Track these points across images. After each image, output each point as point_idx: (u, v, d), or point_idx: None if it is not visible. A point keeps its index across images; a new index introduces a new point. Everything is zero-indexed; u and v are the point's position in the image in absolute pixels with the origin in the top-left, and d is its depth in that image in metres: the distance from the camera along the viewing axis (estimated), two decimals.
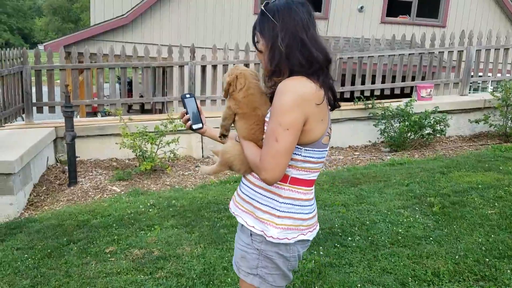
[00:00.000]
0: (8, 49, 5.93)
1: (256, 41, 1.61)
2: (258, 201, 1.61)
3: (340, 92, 8.02)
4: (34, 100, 6.54)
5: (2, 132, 5.89)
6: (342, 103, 7.84)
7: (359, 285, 2.92)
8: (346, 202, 4.46)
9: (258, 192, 1.62)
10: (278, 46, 1.50)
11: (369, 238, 3.62)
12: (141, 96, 7.55)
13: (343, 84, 8.01)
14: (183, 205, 4.64)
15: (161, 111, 11.39)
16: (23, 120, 6.76)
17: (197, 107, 1.83)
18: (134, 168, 6.09)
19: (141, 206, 4.64)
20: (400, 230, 3.73)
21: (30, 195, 5.21)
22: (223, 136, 1.77)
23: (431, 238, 3.56)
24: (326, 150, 1.63)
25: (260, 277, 1.64)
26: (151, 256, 3.45)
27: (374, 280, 2.97)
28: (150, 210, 4.53)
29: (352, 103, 7.62)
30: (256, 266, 1.63)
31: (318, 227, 1.78)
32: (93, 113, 11.67)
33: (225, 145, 1.74)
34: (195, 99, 1.85)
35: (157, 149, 5.97)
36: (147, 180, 5.79)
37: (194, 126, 1.79)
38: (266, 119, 1.57)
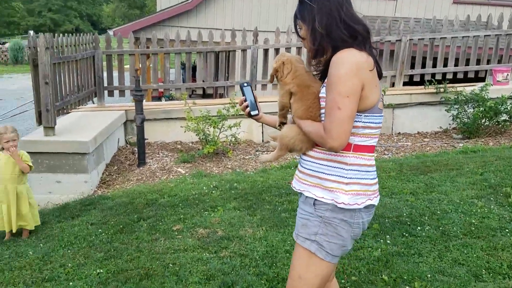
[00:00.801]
0: (81, 34, 6.29)
1: (298, 28, 1.74)
2: (324, 173, 1.69)
3: (409, 75, 7.69)
4: (105, 84, 6.92)
5: (76, 114, 6.32)
6: (411, 87, 7.59)
7: (429, 275, 2.81)
8: (415, 191, 4.29)
9: (322, 164, 1.70)
10: (317, 27, 1.63)
11: (440, 228, 3.46)
12: (203, 81, 7.72)
13: (412, 67, 7.65)
14: (244, 188, 4.73)
15: (221, 96, 11.61)
16: (94, 103, 7.20)
17: (253, 95, 1.95)
18: (197, 151, 6.28)
19: (204, 187, 4.79)
20: (473, 221, 3.54)
21: (103, 174, 5.57)
22: (282, 124, 1.87)
23: (507, 230, 3.35)
24: (382, 116, 1.71)
25: (317, 243, 1.71)
26: (215, 236, 3.57)
27: (445, 271, 2.85)
28: (213, 192, 4.66)
29: (422, 86, 7.27)
30: (316, 233, 1.71)
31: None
32: (158, 98, 12.18)
33: (282, 130, 1.83)
34: (251, 87, 1.98)
35: (219, 132, 6.10)
36: (209, 163, 5.95)
37: (252, 113, 1.93)
38: (321, 95, 1.69)
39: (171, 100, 12.59)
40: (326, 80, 1.64)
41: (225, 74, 7.46)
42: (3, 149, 3.86)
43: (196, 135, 6.12)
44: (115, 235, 3.74)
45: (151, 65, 7.70)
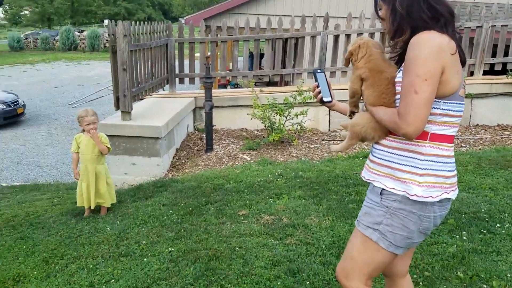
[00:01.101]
0: (155, 22, 6.56)
1: (378, 8, 1.69)
2: (396, 162, 1.63)
3: (490, 64, 7.16)
4: (177, 72, 7.19)
5: (150, 100, 6.64)
6: (492, 76, 7.07)
7: (508, 275, 2.64)
8: (495, 186, 4.02)
9: (395, 154, 1.64)
10: (398, 6, 1.57)
11: None
12: (271, 69, 7.76)
13: (494, 55, 7.12)
14: (310, 177, 4.71)
15: (286, 83, 11.57)
16: (163, 90, 7.51)
17: (327, 81, 1.92)
18: (262, 139, 6.35)
19: (269, 175, 4.84)
20: None
21: (173, 158, 5.83)
22: (352, 113, 1.82)
23: None
24: (463, 104, 1.61)
25: (380, 232, 1.66)
26: (280, 223, 3.60)
27: None
28: (278, 179, 4.70)
29: (504, 76, 6.75)
30: (379, 222, 1.66)
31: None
32: (224, 86, 12.43)
33: (353, 118, 1.78)
34: (325, 74, 1.94)
35: (285, 120, 6.11)
36: (274, 150, 5.99)
37: (325, 99, 1.89)
38: (397, 80, 1.62)
39: (237, 87, 12.80)
40: (403, 64, 1.58)
41: (292, 62, 7.42)
42: (84, 131, 4.17)
43: (262, 122, 6.19)
44: (184, 217, 3.92)
45: (219, 53, 7.85)
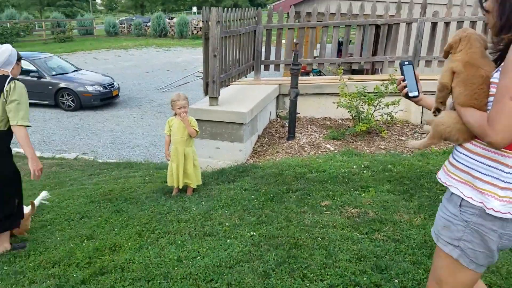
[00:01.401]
0: (246, 9, 6.66)
1: (484, 0, 1.54)
2: (478, 171, 1.52)
3: None
4: (263, 58, 7.26)
5: (236, 87, 6.80)
6: None
7: None
8: None
9: (478, 161, 1.52)
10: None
11: None
12: (350, 55, 7.53)
13: None
14: (399, 171, 4.52)
15: (374, 72, 11.14)
16: (245, 77, 7.62)
17: (415, 74, 1.82)
18: (347, 129, 6.20)
19: (354, 166, 4.73)
20: None
21: (255, 144, 5.93)
22: (437, 110, 1.69)
23: None
24: None
25: (461, 249, 1.56)
26: (366, 217, 3.51)
27: None
28: (364, 171, 4.57)
29: None
30: (459, 238, 1.56)
31: None
32: (306, 73, 12.31)
33: (438, 116, 1.67)
34: (413, 66, 1.84)
35: (374, 110, 5.91)
36: (360, 141, 5.83)
37: (410, 94, 1.80)
38: (493, 80, 1.48)
39: (319, 75, 12.61)
40: (502, 64, 1.43)
41: (384, 49, 7.12)
42: (175, 114, 4.39)
43: (348, 112, 6.04)
44: (265, 203, 3.98)
45: (308, 39, 7.76)
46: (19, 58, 3.53)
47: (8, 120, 3.33)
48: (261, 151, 5.77)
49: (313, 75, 12.45)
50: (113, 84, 12.94)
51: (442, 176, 1.69)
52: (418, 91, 1.81)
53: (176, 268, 2.95)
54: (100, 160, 7.91)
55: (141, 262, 3.08)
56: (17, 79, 3.38)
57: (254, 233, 3.37)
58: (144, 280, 2.83)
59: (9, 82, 3.30)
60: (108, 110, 12.29)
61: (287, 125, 6.22)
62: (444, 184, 1.66)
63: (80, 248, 3.36)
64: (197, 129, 4.40)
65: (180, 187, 4.50)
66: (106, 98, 12.56)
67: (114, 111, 12.14)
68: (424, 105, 1.86)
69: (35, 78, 12.15)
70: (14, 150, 4.08)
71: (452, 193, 1.60)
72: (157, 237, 3.46)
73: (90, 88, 12.13)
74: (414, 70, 1.83)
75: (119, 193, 4.73)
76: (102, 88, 12.38)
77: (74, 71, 13.28)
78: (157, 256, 3.15)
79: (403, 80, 1.81)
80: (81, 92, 12.03)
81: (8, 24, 25.94)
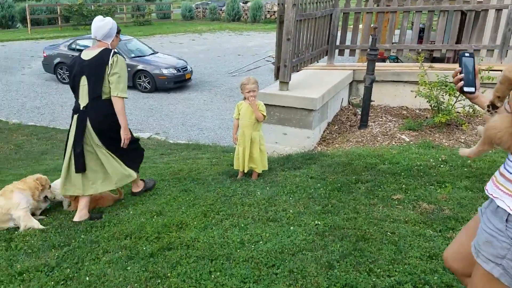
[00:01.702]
0: None
1: None
2: None
3: None
4: (337, 43, 7.07)
5: (308, 71, 6.70)
6: None
7: None
8: None
9: None
10: None
11: None
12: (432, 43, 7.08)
13: None
14: (480, 167, 4.21)
15: (456, 61, 10.39)
16: (318, 62, 7.46)
17: (474, 69, 1.71)
18: (425, 119, 5.88)
19: (431, 160, 4.48)
20: None
21: (324, 132, 5.83)
22: (492, 107, 1.52)
23: None
24: None
25: (503, 268, 1.44)
26: (441, 214, 3.32)
27: None
28: (441, 166, 4.31)
29: None
30: (503, 256, 1.44)
31: None
32: (382, 60, 11.81)
33: (491, 119, 1.50)
34: (474, 60, 1.72)
35: (455, 101, 5.53)
36: (438, 133, 5.50)
37: (466, 89, 1.69)
38: None
39: (397, 62, 12.06)
40: None
41: (469, 37, 6.62)
42: (245, 98, 4.42)
43: (427, 101, 5.71)
44: (332, 192, 3.90)
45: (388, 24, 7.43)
46: (118, 31, 3.87)
47: None
48: (330, 139, 5.66)
49: (390, 62, 11.95)
50: (186, 67, 13.37)
51: (489, 188, 1.56)
52: (475, 87, 1.69)
53: (238, 250, 3.00)
54: (171, 140, 8.26)
55: (205, 241, 3.17)
56: (118, 53, 3.69)
57: (319, 222, 3.33)
58: (208, 259, 2.91)
59: (113, 56, 3.63)
60: (180, 92, 12.75)
61: (360, 113, 6.04)
62: (490, 196, 1.53)
63: (150, 223, 3.54)
64: (265, 114, 4.39)
65: (245, 171, 4.55)
66: (179, 81, 13.02)
67: (186, 94, 12.57)
68: (479, 104, 1.72)
69: None
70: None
71: (498, 206, 1.47)
72: (222, 218, 3.54)
73: (165, 71, 12.64)
74: (474, 64, 1.72)
75: (187, 173, 4.89)
76: (176, 71, 12.85)
77: (151, 54, 13.88)
78: (220, 236, 3.22)
79: (460, 73, 1.70)
80: (157, 75, 12.57)
81: (92, 6, 27.64)
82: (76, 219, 3.80)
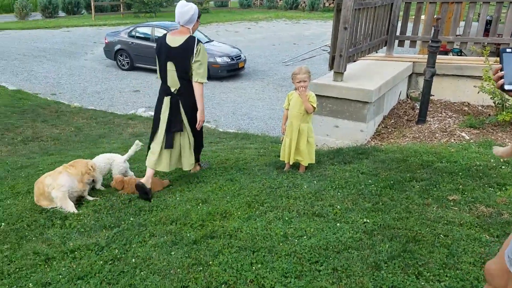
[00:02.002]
0: None
1: None
2: None
3: None
4: (397, 33, 6.78)
5: (364, 62, 6.49)
6: None
7: None
8: None
9: None
10: None
11: None
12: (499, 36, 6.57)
13: None
14: None
15: None
16: (376, 52, 7.18)
17: None
18: (488, 117, 5.52)
19: (492, 160, 4.19)
20: None
21: (379, 125, 5.63)
22: None
23: None
24: None
25: None
26: (499, 218, 3.11)
27: None
28: (503, 167, 4.03)
29: None
30: None
31: None
32: (444, 52, 11.19)
33: None
34: None
35: None
36: (502, 132, 5.14)
37: (507, 87, 1.56)
38: None
39: (460, 55, 11.40)
40: None
41: None
42: (296, 88, 4.34)
43: (491, 98, 5.35)
44: (384, 190, 3.76)
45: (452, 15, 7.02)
46: (199, 16, 4.16)
47: None
48: (385, 133, 5.46)
49: (453, 55, 11.31)
50: (240, 56, 13.42)
51: None
52: None
53: (281, 244, 2.98)
54: (221, 129, 8.34)
55: (248, 232, 3.17)
56: (201, 42, 4.05)
57: (368, 220, 3.22)
58: (250, 250, 2.91)
59: (197, 44, 3.98)
60: (232, 81, 12.84)
61: (418, 107, 5.77)
62: None
63: (195, 210, 3.60)
64: (315, 106, 4.29)
65: (291, 163, 4.49)
66: (232, 70, 13.11)
67: (238, 83, 12.64)
68: None
69: None
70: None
71: None
72: (266, 210, 3.53)
73: (219, 60, 12.76)
74: None
75: (234, 163, 4.92)
76: (229, 60, 12.93)
77: (206, 42, 14.06)
78: (263, 228, 3.21)
79: (501, 70, 1.58)
80: (211, 63, 12.70)
81: None
82: (143, 180, 4.11)
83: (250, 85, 12.37)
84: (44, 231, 3.50)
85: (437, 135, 5.15)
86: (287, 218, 3.34)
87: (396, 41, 6.85)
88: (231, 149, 5.71)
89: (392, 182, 3.88)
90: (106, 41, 14.43)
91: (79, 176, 4.03)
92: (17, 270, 2.93)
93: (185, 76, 4.06)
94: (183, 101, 4.14)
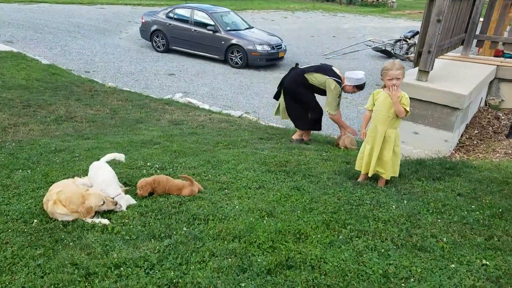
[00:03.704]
0: None
1: None
2: None
3: None
4: (477, 32, 5.97)
5: (440, 61, 5.70)
6: None
7: None
8: None
9: None
10: None
11: None
12: None
13: None
14: None
15: None
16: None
17: None
18: None
19: None
20: None
21: (462, 136, 4.87)
22: None
23: None
24: None
25: None
26: None
27: None
28: None
29: None
30: None
31: None
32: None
33: None
34: None
35: None
36: None
37: None
38: None
39: None
40: None
41: None
42: (385, 87, 3.64)
43: None
44: (493, 220, 3.06)
45: None
46: (358, 87, 4.91)
47: None
48: (469, 145, 4.71)
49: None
50: (281, 45, 12.68)
51: None
52: None
53: (382, 286, 2.32)
54: (263, 122, 7.68)
55: (335, 264, 2.52)
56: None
57: (487, 263, 2.53)
58: None
59: None
60: (271, 71, 12.14)
61: (502, 117, 5.00)
62: None
63: (261, 226, 2.96)
64: (408, 109, 3.57)
65: (369, 175, 3.81)
66: (272, 59, 12.39)
67: (277, 73, 11.93)
68: None
69: (211, 32, 12.49)
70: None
71: None
72: (351, 235, 2.87)
73: (259, 48, 12.05)
74: None
75: (296, 167, 4.26)
76: (270, 49, 12.21)
77: (246, 28, 13.36)
78: (354, 261, 2.55)
79: None
80: (250, 51, 12.03)
81: None
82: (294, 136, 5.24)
83: None
84: (83, 234, 2.91)
85: None
86: (382, 250, 2.67)
87: (475, 41, 6.04)
88: (288, 149, 5.04)
89: (500, 210, 3.17)
90: (143, 21, 13.84)
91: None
92: (52, 287, 2.35)
93: None
94: None
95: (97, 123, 6.33)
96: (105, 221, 3.08)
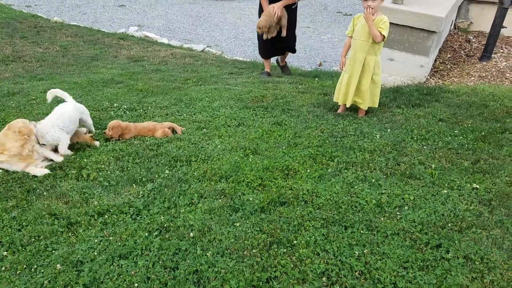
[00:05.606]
0: None
1: None
2: None
3: None
4: None
5: None
6: None
7: None
8: None
9: None
10: None
11: None
12: None
13: None
14: None
15: None
16: None
17: None
18: None
19: None
20: None
21: (436, 61, 4.86)
22: None
23: None
24: None
25: None
26: None
27: None
28: None
29: None
30: None
31: None
32: None
33: None
34: None
35: None
36: None
37: None
38: None
39: None
40: None
41: None
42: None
43: None
44: (476, 143, 3.12)
45: None
46: None
47: None
48: (444, 70, 4.72)
49: None
50: None
51: None
52: None
53: (377, 216, 2.33)
54: (227, 56, 7.37)
55: (328, 197, 2.50)
56: None
57: (477, 186, 2.59)
58: (340, 225, 2.26)
59: None
60: (228, 0, 11.55)
61: (472, 40, 5.00)
62: None
63: (247, 164, 2.88)
64: (385, 33, 3.42)
65: (347, 106, 3.74)
66: None
67: (235, 2, 11.38)
68: None
69: None
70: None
71: None
72: (339, 167, 2.84)
73: None
74: None
75: (273, 101, 4.13)
76: None
77: None
78: (346, 193, 2.54)
79: None
80: None
81: None
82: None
83: (249, 5, 11.15)
84: (56, 183, 2.73)
85: (508, 75, 4.45)
86: (373, 180, 2.67)
87: None
88: (262, 83, 4.87)
89: (482, 133, 3.23)
90: None
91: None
92: (32, 239, 2.20)
93: None
94: None
95: (48, 62, 5.84)
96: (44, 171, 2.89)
